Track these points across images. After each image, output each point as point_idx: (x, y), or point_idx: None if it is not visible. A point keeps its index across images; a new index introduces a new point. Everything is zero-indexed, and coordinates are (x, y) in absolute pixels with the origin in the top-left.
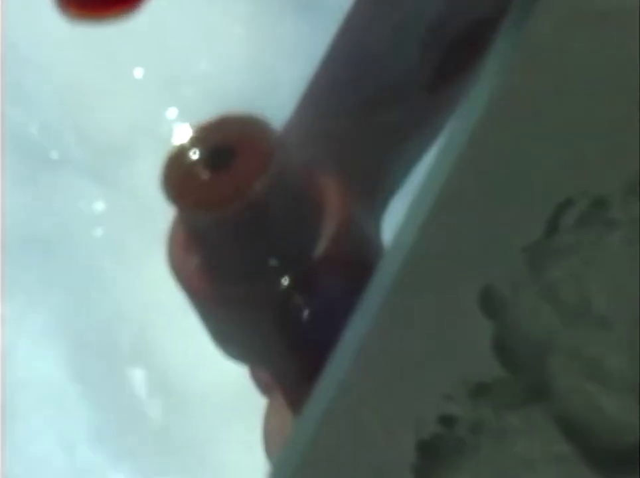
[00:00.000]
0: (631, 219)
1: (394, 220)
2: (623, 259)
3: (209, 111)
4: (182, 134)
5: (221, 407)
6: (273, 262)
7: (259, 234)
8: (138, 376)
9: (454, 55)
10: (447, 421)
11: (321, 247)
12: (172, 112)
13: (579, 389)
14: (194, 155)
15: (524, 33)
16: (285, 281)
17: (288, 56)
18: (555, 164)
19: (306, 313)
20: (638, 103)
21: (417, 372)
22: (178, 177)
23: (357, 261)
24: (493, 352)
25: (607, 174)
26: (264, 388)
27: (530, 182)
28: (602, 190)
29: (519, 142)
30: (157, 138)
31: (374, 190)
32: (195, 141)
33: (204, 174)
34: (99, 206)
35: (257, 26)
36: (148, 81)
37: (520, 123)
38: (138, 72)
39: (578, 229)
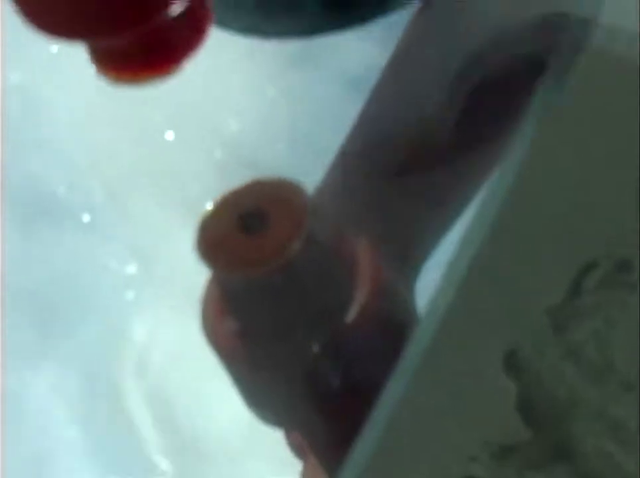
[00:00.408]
0: None
1: (427, 284)
2: None
3: (241, 174)
4: (217, 197)
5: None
6: (304, 324)
7: (291, 296)
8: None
9: (479, 104)
10: None
11: (353, 310)
12: (205, 175)
13: (602, 450)
14: (228, 218)
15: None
16: (316, 343)
17: (319, 119)
18: (579, 228)
19: (336, 376)
20: None
21: (444, 434)
22: (213, 239)
23: (388, 325)
24: (517, 413)
25: (630, 237)
26: (298, 451)
27: (554, 246)
28: (625, 253)
29: (547, 208)
30: (189, 201)
31: (407, 255)
32: (229, 204)
33: (238, 237)
34: (131, 269)
35: (290, 91)
36: (179, 144)
37: (549, 190)
38: (169, 135)
39: (601, 291)
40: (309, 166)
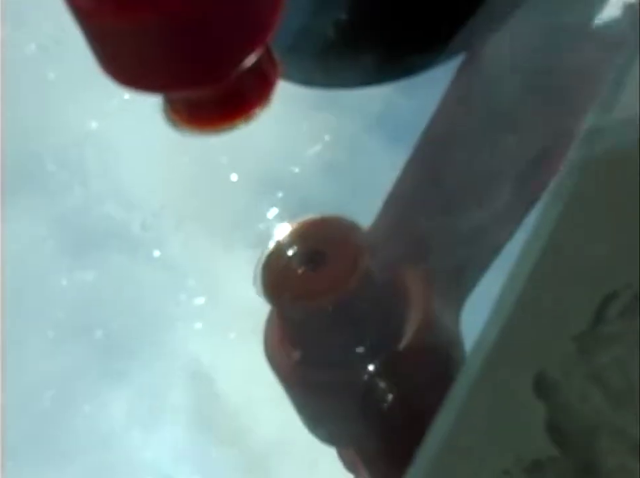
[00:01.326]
0: None
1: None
2: None
3: (303, 214)
4: (279, 234)
5: None
6: (361, 351)
7: (348, 326)
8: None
9: None
10: None
11: (405, 338)
12: (270, 213)
13: (625, 467)
14: (290, 254)
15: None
16: (371, 369)
17: (372, 162)
18: (603, 261)
19: (390, 398)
20: None
21: (484, 450)
22: (276, 273)
23: (437, 351)
24: (546, 433)
25: None
26: (350, 466)
27: (580, 281)
28: None
29: (575, 245)
30: (252, 238)
31: (454, 287)
32: (291, 241)
33: (299, 273)
34: (199, 301)
35: (343, 136)
36: (244, 186)
37: (579, 228)
38: (234, 177)
39: (623, 319)
40: (364, 204)
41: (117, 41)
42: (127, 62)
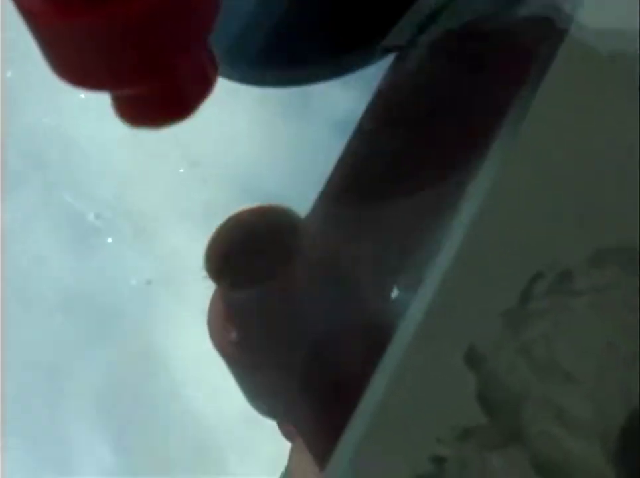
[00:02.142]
0: (593, 288)
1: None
2: (586, 322)
3: (245, 202)
4: (222, 221)
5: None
6: (297, 332)
7: (286, 309)
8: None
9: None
10: (438, 461)
11: (341, 318)
12: (214, 202)
13: (550, 434)
14: (232, 239)
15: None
16: (308, 348)
17: (311, 154)
18: (528, 243)
19: (325, 375)
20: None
21: (417, 420)
22: (218, 258)
23: (372, 330)
24: (477, 402)
25: (571, 250)
26: (289, 435)
27: (508, 259)
28: (567, 263)
29: (504, 231)
30: (200, 224)
31: (387, 268)
32: (233, 228)
33: (241, 257)
34: (149, 284)
35: (282, 131)
36: (189, 177)
37: (504, 210)
38: (182, 170)
39: (548, 297)
40: (302, 195)
41: (61, 43)
42: (71, 62)
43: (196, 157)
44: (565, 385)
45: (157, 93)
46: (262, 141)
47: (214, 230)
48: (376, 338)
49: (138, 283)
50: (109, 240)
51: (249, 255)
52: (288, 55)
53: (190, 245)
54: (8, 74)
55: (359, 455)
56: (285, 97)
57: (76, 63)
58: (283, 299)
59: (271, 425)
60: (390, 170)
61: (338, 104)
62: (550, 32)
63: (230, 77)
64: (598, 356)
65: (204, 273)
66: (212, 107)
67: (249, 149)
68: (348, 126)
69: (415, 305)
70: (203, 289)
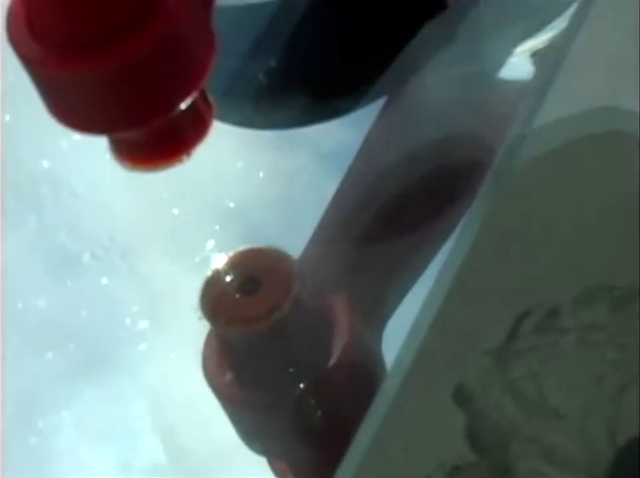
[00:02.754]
0: (581, 325)
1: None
2: (574, 359)
3: (238, 245)
4: (217, 263)
5: None
6: (291, 372)
7: (280, 349)
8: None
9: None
10: None
11: (332, 358)
12: (209, 244)
13: (538, 471)
14: (227, 281)
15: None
16: (301, 387)
17: (302, 197)
18: (518, 280)
19: (317, 414)
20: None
21: (405, 457)
22: (213, 300)
23: (360, 371)
24: (465, 440)
25: (559, 289)
26: (280, 474)
27: (496, 298)
28: (555, 302)
29: (491, 266)
30: (193, 267)
31: (375, 311)
32: (228, 269)
33: (235, 298)
34: (143, 324)
35: (276, 173)
36: (184, 219)
37: (493, 250)
38: (175, 211)
39: (535, 335)
40: (295, 235)
41: (62, 89)
42: (71, 107)
43: (188, 197)
44: (553, 422)
45: (154, 137)
46: (254, 176)
47: (208, 271)
48: (367, 378)
49: (132, 322)
50: (104, 281)
51: (243, 296)
52: (278, 100)
53: (185, 286)
54: (7, 118)
55: None
56: (279, 137)
57: (74, 108)
58: (276, 340)
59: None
60: (380, 213)
61: (333, 144)
62: None
63: (223, 120)
64: (585, 393)
65: (199, 313)
66: (206, 148)
67: (243, 189)
68: (337, 157)
69: (405, 344)
70: (197, 329)
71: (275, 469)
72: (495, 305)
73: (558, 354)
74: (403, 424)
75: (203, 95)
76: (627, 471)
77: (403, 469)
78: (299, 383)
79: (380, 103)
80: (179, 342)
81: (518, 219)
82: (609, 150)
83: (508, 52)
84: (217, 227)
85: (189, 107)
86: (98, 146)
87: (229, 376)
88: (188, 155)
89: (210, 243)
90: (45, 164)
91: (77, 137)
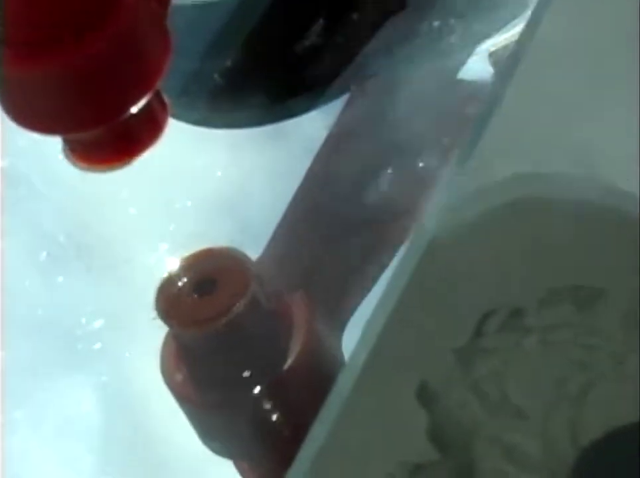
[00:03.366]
0: (544, 326)
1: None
2: (536, 359)
3: (194, 245)
4: (173, 263)
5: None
6: (248, 372)
7: (237, 349)
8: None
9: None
10: None
11: (290, 359)
12: (162, 246)
13: (501, 471)
14: (183, 282)
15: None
16: (258, 388)
17: (260, 197)
18: (481, 282)
19: (276, 415)
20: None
21: (367, 455)
22: (169, 301)
23: (319, 370)
24: (428, 438)
25: (524, 288)
26: (245, 474)
27: (460, 297)
28: (519, 302)
29: (454, 270)
30: (147, 267)
31: (335, 311)
32: (183, 270)
33: (191, 299)
34: (98, 323)
35: (234, 172)
36: (141, 218)
37: (455, 257)
38: (132, 210)
39: (499, 334)
40: (252, 236)
41: (16, 87)
42: (25, 106)
43: (144, 198)
44: (516, 422)
45: (109, 137)
46: (211, 175)
47: (164, 271)
48: (325, 379)
49: (87, 321)
50: (60, 279)
51: (200, 296)
52: (235, 100)
53: (141, 285)
54: None
55: None
56: (235, 137)
57: (29, 108)
58: (232, 340)
59: None
60: (339, 214)
61: (286, 135)
62: None
63: (180, 119)
64: (547, 394)
65: (154, 313)
66: (163, 148)
67: (200, 189)
68: (295, 156)
69: (363, 341)
70: (153, 329)
71: (239, 468)
72: (460, 303)
73: (521, 354)
74: (362, 420)
75: (158, 95)
76: (588, 472)
77: (362, 466)
78: (256, 383)
79: (341, 101)
80: (135, 342)
81: (485, 217)
82: None
83: (467, 51)
84: (173, 227)
85: (143, 107)
86: (56, 144)
87: (186, 376)
88: (139, 155)
89: (166, 243)
90: (5, 162)
91: (35, 136)
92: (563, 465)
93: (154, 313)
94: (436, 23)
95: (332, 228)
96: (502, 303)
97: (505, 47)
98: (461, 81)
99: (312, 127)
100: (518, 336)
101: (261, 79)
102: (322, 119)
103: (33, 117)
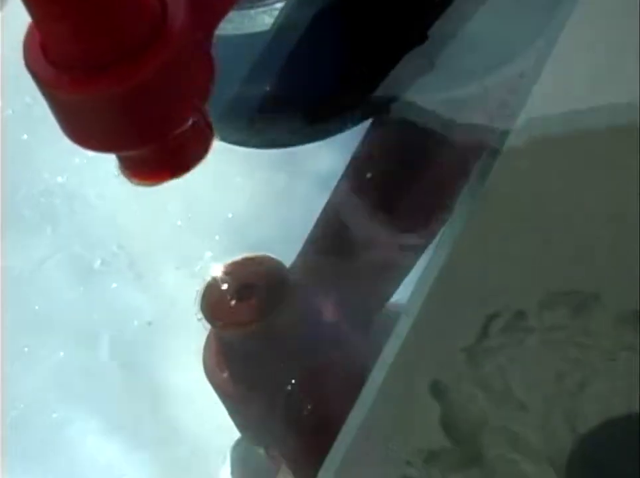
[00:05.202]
0: (544, 326)
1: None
2: (537, 357)
3: (235, 253)
4: (216, 270)
5: None
6: (282, 369)
7: (273, 348)
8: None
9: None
10: None
11: (320, 358)
12: (207, 254)
13: (506, 458)
14: (225, 286)
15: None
16: (293, 384)
17: (291, 211)
18: (487, 287)
19: (306, 410)
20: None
21: (389, 444)
22: (213, 304)
23: (348, 367)
24: (441, 428)
25: (525, 292)
26: (275, 461)
27: (469, 301)
28: (521, 304)
29: (467, 272)
30: (195, 272)
31: (362, 313)
32: (225, 275)
33: (233, 302)
34: (151, 325)
35: (270, 189)
36: (187, 230)
37: (467, 258)
38: (179, 222)
39: (504, 334)
40: (289, 244)
41: (73, 109)
42: (82, 126)
43: (190, 211)
44: (519, 413)
45: (159, 155)
46: (253, 196)
47: (208, 278)
48: (354, 374)
49: (139, 323)
50: (114, 285)
51: (240, 300)
52: (271, 123)
53: (187, 291)
54: (24, 137)
55: (340, 476)
56: (273, 155)
57: (84, 127)
58: (269, 340)
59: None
60: (365, 225)
61: (323, 162)
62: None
63: (223, 139)
64: (547, 388)
65: (199, 315)
66: (207, 165)
67: (240, 203)
68: (332, 182)
69: (389, 343)
70: (199, 331)
71: (270, 457)
72: (468, 307)
73: (523, 352)
74: (386, 415)
75: (204, 117)
76: (585, 460)
77: (386, 454)
78: (290, 380)
79: (366, 125)
80: (183, 342)
81: (490, 230)
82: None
83: (481, 81)
84: (217, 237)
85: (190, 128)
86: (109, 161)
87: (227, 373)
88: (189, 171)
89: (210, 252)
90: (60, 179)
91: (90, 153)
92: (562, 453)
93: (200, 315)
94: (453, 55)
95: (357, 239)
96: (505, 305)
97: (518, 77)
98: (475, 109)
99: (342, 149)
100: (520, 336)
101: (296, 103)
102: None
103: (88, 137)
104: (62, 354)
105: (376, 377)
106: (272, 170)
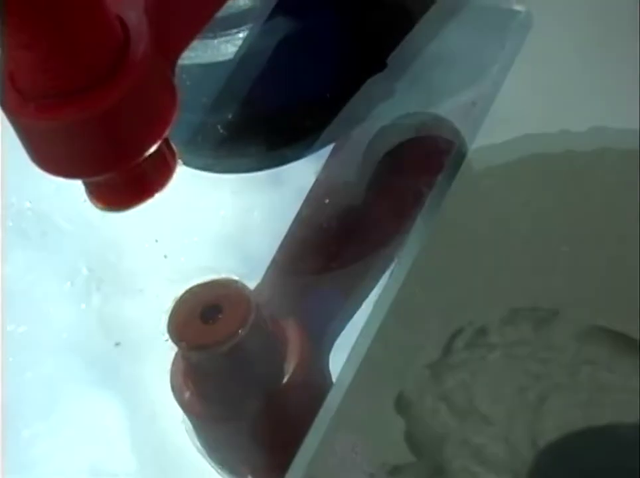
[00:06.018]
0: (506, 342)
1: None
2: (499, 372)
3: (201, 276)
4: (182, 293)
5: None
6: (246, 390)
7: (239, 369)
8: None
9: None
10: None
11: (285, 377)
12: (173, 276)
13: (469, 470)
14: (191, 308)
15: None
16: (256, 404)
17: (258, 234)
18: (450, 304)
19: (272, 427)
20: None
21: (352, 458)
22: (179, 324)
23: (312, 387)
24: (405, 442)
25: (487, 309)
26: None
27: (432, 318)
28: (483, 321)
29: (429, 289)
30: (162, 295)
31: (324, 333)
32: (191, 298)
33: (199, 323)
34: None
35: (235, 212)
36: (154, 253)
37: (430, 277)
38: (147, 245)
39: (467, 350)
40: (251, 268)
41: (38, 137)
42: (46, 154)
43: (157, 234)
44: (482, 427)
45: (124, 181)
46: (218, 219)
47: (174, 300)
48: (316, 393)
49: (107, 344)
50: (83, 306)
51: (206, 322)
52: (235, 148)
53: (154, 312)
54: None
55: None
56: (240, 179)
57: (50, 155)
58: (235, 361)
59: None
60: (326, 249)
61: (280, 180)
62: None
63: (188, 165)
64: (509, 402)
65: (166, 336)
66: (173, 189)
67: (206, 226)
68: (289, 198)
69: (351, 356)
70: (167, 351)
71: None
72: (432, 324)
73: (486, 367)
74: (349, 427)
75: (167, 144)
76: (545, 471)
77: (349, 468)
78: (255, 399)
79: (327, 150)
80: (148, 361)
81: (450, 247)
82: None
83: (443, 104)
84: (182, 259)
85: (155, 154)
86: (78, 187)
87: (193, 392)
88: (153, 196)
89: (176, 274)
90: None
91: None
92: (524, 465)
93: (166, 336)
94: (412, 80)
95: (319, 261)
96: (468, 322)
97: (475, 101)
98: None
99: (303, 172)
100: (483, 352)
101: (259, 130)
102: (312, 166)
103: (55, 164)
104: (29, 374)
105: (337, 392)
106: (236, 196)
